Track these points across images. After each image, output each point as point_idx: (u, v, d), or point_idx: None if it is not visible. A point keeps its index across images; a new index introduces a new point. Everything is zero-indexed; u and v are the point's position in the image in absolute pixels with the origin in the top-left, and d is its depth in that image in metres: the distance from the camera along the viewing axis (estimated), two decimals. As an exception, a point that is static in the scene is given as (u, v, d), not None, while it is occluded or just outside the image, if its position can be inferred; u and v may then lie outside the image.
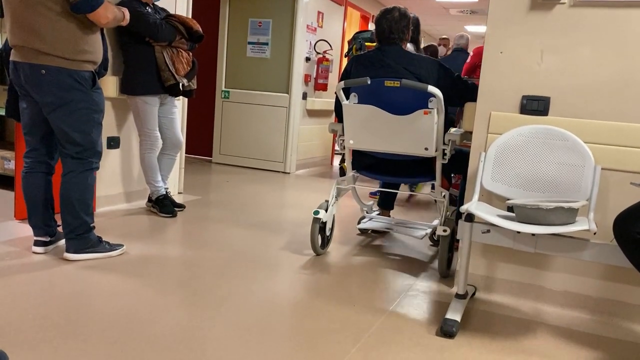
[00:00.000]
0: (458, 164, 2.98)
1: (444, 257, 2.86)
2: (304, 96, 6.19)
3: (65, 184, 2.66)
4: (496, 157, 2.44)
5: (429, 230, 3.38)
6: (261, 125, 6.11)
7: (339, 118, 3.12)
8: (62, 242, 2.80)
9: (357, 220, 3.66)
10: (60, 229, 2.83)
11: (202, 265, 2.81)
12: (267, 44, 6.01)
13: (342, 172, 5.11)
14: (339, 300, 2.48)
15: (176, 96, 3.74)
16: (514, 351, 2.10)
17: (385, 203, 3.78)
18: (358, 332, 2.16)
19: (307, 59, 6.15)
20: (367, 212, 3.66)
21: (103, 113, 2.73)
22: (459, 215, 2.55)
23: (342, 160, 5.49)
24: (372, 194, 4.89)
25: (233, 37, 6.13)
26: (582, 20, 2.38)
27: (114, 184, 3.86)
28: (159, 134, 3.71)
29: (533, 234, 2.33)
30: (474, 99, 2.64)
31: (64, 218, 2.69)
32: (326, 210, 3.09)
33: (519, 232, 2.34)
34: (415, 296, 2.62)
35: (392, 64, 2.96)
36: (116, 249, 2.85)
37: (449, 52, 6.91)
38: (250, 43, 6.07)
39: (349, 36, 6.61)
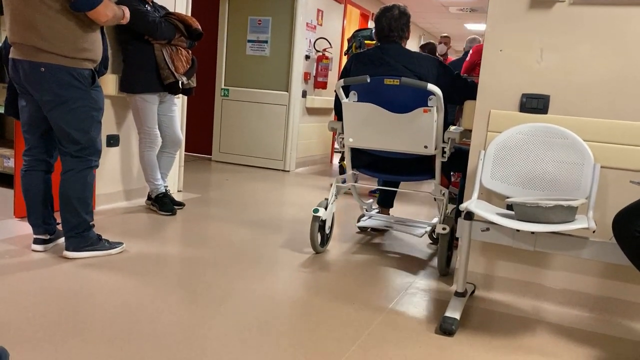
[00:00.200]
0: (457, 162, 2.98)
1: (444, 255, 2.86)
2: (304, 94, 6.18)
3: (65, 182, 2.66)
4: (496, 155, 2.44)
5: (428, 229, 3.39)
6: (261, 123, 6.11)
7: (339, 116, 3.12)
8: (62, 240, 2.80)
9: (357, 219, 3.67)
10: (59, 227, 2.83)
11: (202, 263, 2.82)
12: (266, 41, 6.00)
13: (342, 170, 5.11)
14: (339, 298, 2.49)
15: (175, 94, 3.74)
16: (513, 349, 2.10)
17: (385, 201, 3.78)
18: (357, 329, 2.16)
19: (307, 57, 6.14)
20: (366, 210, 3.66)
21: (102, 111, 2.73)
22: (458, 213, 2.55)
23: (342, 159, 5.49)
24: (372, 192, 4.89)
25: (232, 35, 6.12)
26: (582, 19, 2.38)
27: (113, 182, 3.86)
28: (158, 132, 3.71)
29: (532, 232, 2.33)
30: (473, 97, 2.64)
31: (63, 216, 2.69)
32: (326, 209, 3.10)
33: (518, 230, 2.34)
34: (415, 294, 2.62)
35: (392, 62, 2.96)
36: (116, 247, 2.85)
37: (449, 50, 6.90)
38: (249, 41, 6.07)
39: (348, 34, 6.60)
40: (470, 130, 2.65)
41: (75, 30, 2.51)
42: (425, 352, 2.03)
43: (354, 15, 8.23)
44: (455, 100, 2.99)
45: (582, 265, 2.49)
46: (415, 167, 3.10)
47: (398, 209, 4.02)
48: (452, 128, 2.96)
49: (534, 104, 2.48)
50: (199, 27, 3.67)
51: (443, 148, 2.87)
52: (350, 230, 3.71)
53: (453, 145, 2.89)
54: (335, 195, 3.18)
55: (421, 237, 3.32)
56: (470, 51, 5.76)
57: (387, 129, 2.87)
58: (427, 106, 2.75)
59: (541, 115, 2.47)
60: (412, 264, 3.09)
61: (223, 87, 6.21)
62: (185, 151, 4.64)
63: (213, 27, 6.07)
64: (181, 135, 3.97)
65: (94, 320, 2.08)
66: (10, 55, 2.56)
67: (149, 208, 3.83)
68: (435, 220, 3.55)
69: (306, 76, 6.16)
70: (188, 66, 3.67)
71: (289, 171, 6.09)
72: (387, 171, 3.18)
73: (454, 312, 2.26)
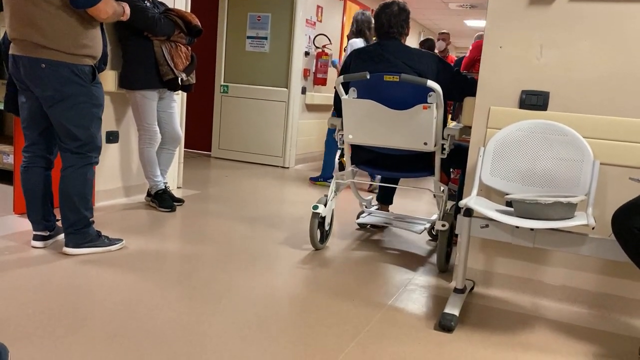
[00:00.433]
0: (457, 159, 2.98)
1: (443, 251, 2.87)
2: (303, 91, 6.18)
3: (65, 179, 2.66)
4: (495, 152, 2.44)
5: (427, 225, 3.39)
6: (260, 119, 6.10)
7: (338, 113, 3.12)
8: (61, 236, 2.80)
9: (356, 215, 3.67)
10: (59, 223, 2.83)
11: (201, 259, 2.82)
12: (266, 38, 5.99)
13: (341, 166, 5.11)
14: (338, 294, 2.49)
15: (175, 91, 3.73)
16: (512, 345, 2.11)
17: (384, 198, 3.79)
18: (357, 326, 2.17)
19: (306, 54, 6.13)
20: (366, 207, 3.66)
21: (103, 107, 2.72)
22: (457, 210, 2.55)
23: (341, 155, 5.49)
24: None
25: (232, 31, 6.11)
26: (582, 15, 2.37)
27: (113, 178, 3.86)
28: (157, 129, 3.70)
29: (532, 229, 2.34)
30: (473, 93, 2.64)
31: (63, 212, 2.69)
32: (325, 205, 3.10)
33: (517, 227, 2.35)
34: (414, 291, 2.63)
35: (392, 58, 2.95)
36: (115, 244, 2.85)
37: (449, 47, 6.89)
38: (249, 37, 6.06)
39: (348, 31, 6.59)
40: (470, 127, 2.65)
41: (75, 26, 2.51)
42: (424, 348, 2.03)
43: (354, 11, 8.21)
44: (455, 97, 2.99)
45: (581, 262, 2.50)
46: (414, 163, 3.10)
47: (397, 206, 4.02)
48: (451, 124, 2.96)
49: (534, 101, 2.48)
50: (199, 23, 3.66)
51: (442, 145, 2.87)
52: (349, 227, 3.71)
53: (452, 142, 2.89)
54: (334, 192, 3.18)
55: (420, 233, 3.32)
56: (470, 47, 5.75)
57: (387, 126, 2.87)
58: (427, 103, 2.75)
59: (541, 112, 2.47)
60: (411, 261, 3.09)
61: (222, 83, 6.20)
62: (184, 148, 4.64)
63: (212, 24, 6.06)
64: (180, 131, 3.96)
65: (94, 316, 2.08)
66: (10, 52, 2.56)
67: (149, 204, 3.83)
68: (434, 216, 3.55)
69: (305, 73, 6.16)
70: (187, 63, 3.66)
71: (288, 168, 6.09)
72: (387, 168, 3.18)
73: (453, 309, 2.26)
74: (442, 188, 3.00)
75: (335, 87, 2.98)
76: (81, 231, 2.72)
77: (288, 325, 2.14)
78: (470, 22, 10.73)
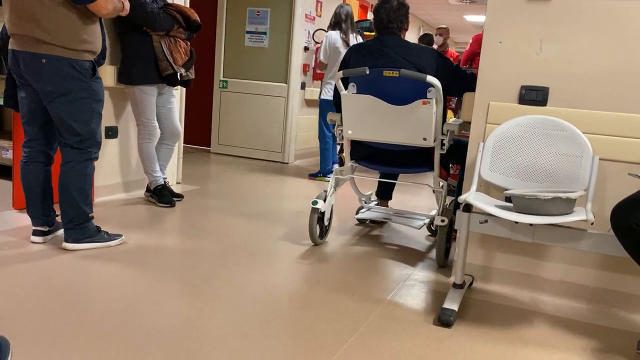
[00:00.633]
0: (456, 154, 2.98)
1: (442, 247, 2.87)
2: (302, 86, 6.17)
3: (64, 174, 2.66)
4: (494, 147, 2.44)
5: (427, 221, 3.39)
6: (259, 115, 6.10)
7: (338, 108, 3.11)
8: (61, 231, 2.80)
9: (356, 211, 3.67)
10: (58, 218, 2.83)
11: (201, 255, 2.82)
12: (265, 33, 5.98)
13: (341, 162, 5.11)
14: (337, 289, 2.49)
15: (174, 86, 3.73)
16: (511, 340, 2.11)
17: (384, 193, 3.79)
18: (356, 321, 2.17)
19: (306, 49, 6.12)
20: (365, 203, 3.66)
21: (103, 103, 2.72)
22: (457, 205, 2.56)
23: (341, 151, 5.48)
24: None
25: (231, 26, 6.10)
26: (581, 10, 2.37)
27: (112, 173, 3.86)
28: (157, 124, 3.70)
29: (531, 224, 2.34)
30: (472, 89, 2.64)
31: (62, 208, 2.69)
32: (324, 201, 3.10)
33: (516, 222, 2.35)
34: (413, 286, 2.63)
35: (391, 53, 2.95)
36: (115, 239, 2.85)
37: (448, 42, 6.88)
38: (248, 32, 6.04)
39: (347, 26, 6.56)
40: (469, 122, 2.65)
41: (75, 21, 2.50)
42: (423, 343, 2.04)
43: (353, 6, 8.18)
44: (455, 92, 2.99)
45: (580, 257, 2.50)
46: (414, 159, 3.10)
47: (397, 201, 4.02)
48: (451, 120, 2.96)
49: (533, 96, 2.47)
50: (198, 18, 3.65)
51: (442, 140, 2.87)
52: (349, 223, 3.71)
53: (452, 137, 2.89)
54: (334, 187, 3.18)
55: (420, 229, 3.32)
56: (470, 40, 5.75)
57: (386, 121, 2.87)
58: (426, 98, 2.75)
59: (540, 107, 2.47)
60: (410, 256, 3.10)
61: (222, 78, 6.19)
62: (183, 143, 4.64)
63: (211, 19, 6.05)
64: (180, 127, 3.96)
65: (93, 311, 2.08)
66: (10, 47, 2.55)
67: (148, 200, 3.84)
68: (433, 212, 3.55)
69: (305, 68, 6.15)
70: (186, 58, 3.66)
71: (287, 163, 6.09)
72: (386, 163, 3.18)
73: (452, 304, 2.27)
74: (441, 183, 3.00)
75: (335, 83, 2.97)
76: (81, 226, 2.72)
77: (287, 320, 2.14)
78: (469, 17, 10.71)
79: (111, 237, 2.85)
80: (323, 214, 3.14)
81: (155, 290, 2.33)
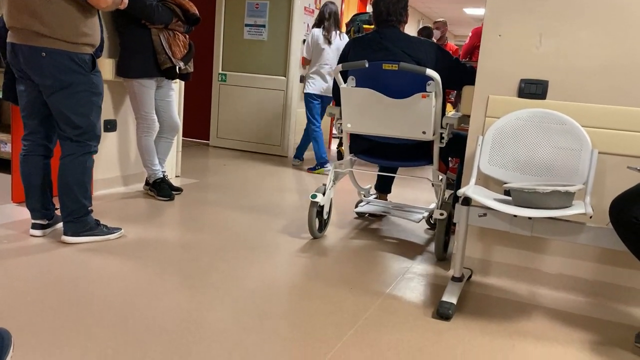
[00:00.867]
0: (455, 148, 2.98)
1: (441, 240, 2.88)
2: (302, 79, 6.15)
3: (64, 167, 2.66)
4: (494, 140, 2.44)
5: (426, 214, 3.40)
6: (258, 108, 6.08)
7: (337, 101, 3.11)
8: (60, 225, 2.81)
9: (355, 204, 3.67)
10: (58, 212, 2.83)
11: (200, 248, 2.82)
12: (264, 26, 5.96)
13: (340, 155, 5.11)
14: (336, 283, 2.50)
15: (173, 79, 3.72)
16: (509, 333, 2.12)
17: (383, 187, 3.79)
18: (355, 314, 2.18)
19: (305, 42, 6.09)
20: (364, 196, 3.66)
21: (102, 96, 2.72)
22: (456, 198, 2.56)
23: (340, 144, 5.48)
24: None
25: (230, 19, 6.07)
26: (581, 4, 2.36)
27: (111, 167, 3.86)
28: (155, 117, 3.69)
29: (530, 218, 2.34)
30: (472, 82, 2.63)
31: (62, 201, 2.69)
32: (324, 194, 3.10)
33: (515, 216, 2.35)
34: (412, 279, 2.64)
35: (390, 46, 2.94)
36: (114, 232, 2.86)
37: (447, 35, 6.86)
38: (247, 25, 6.02)
39: (347, 18, 6.56)
40: (469, 116, 2.65)
41: (75, 15, 2.50)
42: (422, 336, 2.04)
43: (352, -1, 8.16)
44: (454, 86, 2.98)
45: (579, 251, 2.51)
46: (413, 152, 3.10)
47: (396, 195, 4.03)
48: (450, 113, 2.95)
49: (533, 90, 2.47)
50: (196, 11, 3.64)
51: (441, 134, 2.86)
52: (348, 216, 3.71)
53: (451, 131, 2.89)
54: (333, 181, 3.19)
55: (419, 222, 3.33)
56: (470, 33, 5.73)
57: (386, 115, 2.86)
58: (426, 91, 2.75)
59: (539, 101, 2.46)
60: (409, 249, 3.10)
61: (220, 72, 6.17)
62: (182, 136, 4.64)
63: (210, 12, 6.02)
64: (179, 120, 3.95)
65: (93, 304, 2.09)
66: (9, 40, 2.55)
67: (147, 193, 3.83)
68: (432, 205, 3.56)
69: (304, 61, 6.12)
70: (185, 51, 3.65)
71: (286, 157, 6.09)
72: (385, 157, 3.18)
73: (450, 297, 2.27)
74: (440, 177, 3.00)
75: (334, 76, 2.97)
76: (80, 220, 2.72)
77: (286, 313, 2.15)
78: (469, 10, 10.68)
79: (110, 230, 2.85)
80: (322, 207, 3.14)
81: (155, 283, 2.33)
